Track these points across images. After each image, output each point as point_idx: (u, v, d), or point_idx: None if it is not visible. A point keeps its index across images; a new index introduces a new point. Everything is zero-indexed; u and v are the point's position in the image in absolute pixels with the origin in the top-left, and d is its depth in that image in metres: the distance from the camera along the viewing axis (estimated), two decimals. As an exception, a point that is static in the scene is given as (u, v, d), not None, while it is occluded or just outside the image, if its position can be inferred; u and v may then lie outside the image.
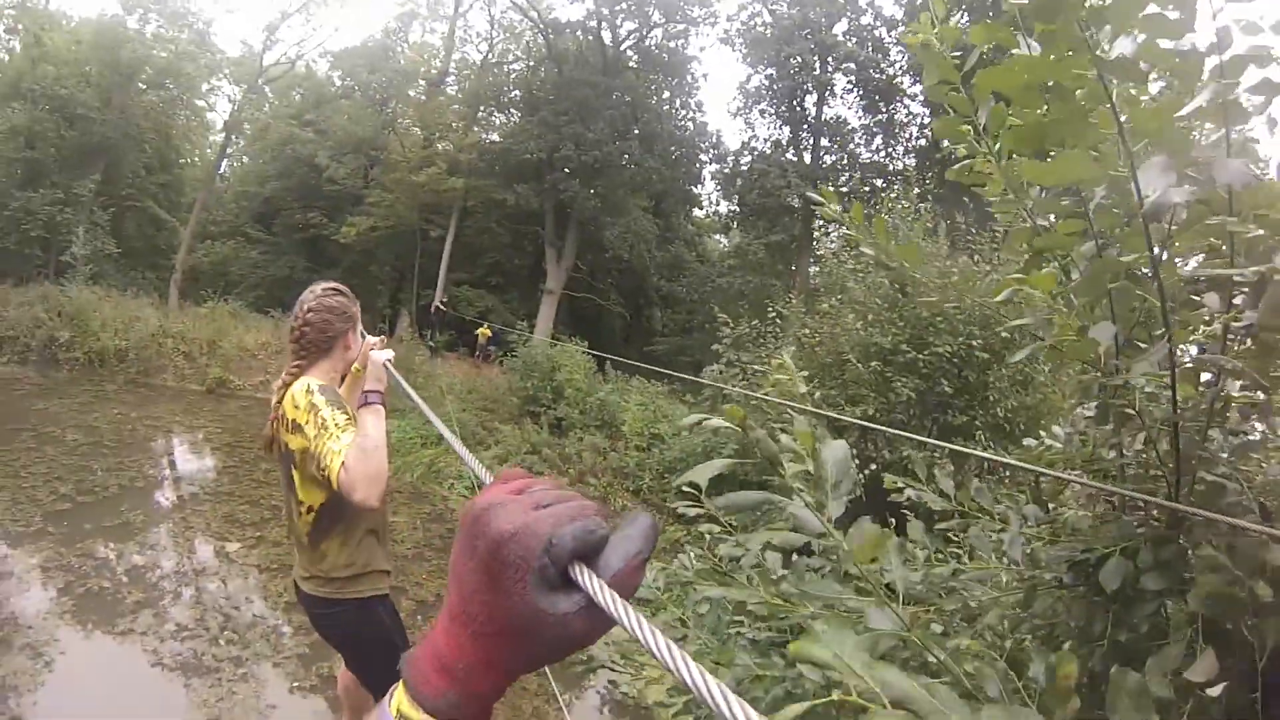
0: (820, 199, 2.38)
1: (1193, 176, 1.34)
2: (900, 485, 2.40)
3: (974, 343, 8.39)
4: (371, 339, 2.92)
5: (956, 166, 1.99)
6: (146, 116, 26.08)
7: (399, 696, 0.56)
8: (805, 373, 9.10)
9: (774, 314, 12.53)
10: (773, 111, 27.58)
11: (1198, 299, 1.58)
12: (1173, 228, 1.49)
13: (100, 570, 6.36)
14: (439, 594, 6.95)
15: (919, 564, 1.98)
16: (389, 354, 2.75)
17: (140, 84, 25.94)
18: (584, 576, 0.51)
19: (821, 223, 26.06)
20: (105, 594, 5.91)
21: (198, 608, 5.94)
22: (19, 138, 22.77)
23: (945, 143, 1.96)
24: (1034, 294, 1.88)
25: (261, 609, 6.09)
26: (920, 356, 8.56)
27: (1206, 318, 1.59)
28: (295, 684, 4.98)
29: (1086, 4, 1.36)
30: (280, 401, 2.64)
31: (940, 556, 2.07)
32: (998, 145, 1.76)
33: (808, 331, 10.59)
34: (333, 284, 2.92)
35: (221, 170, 31.38)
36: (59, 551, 6.56)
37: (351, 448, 2.29)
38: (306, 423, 2.45)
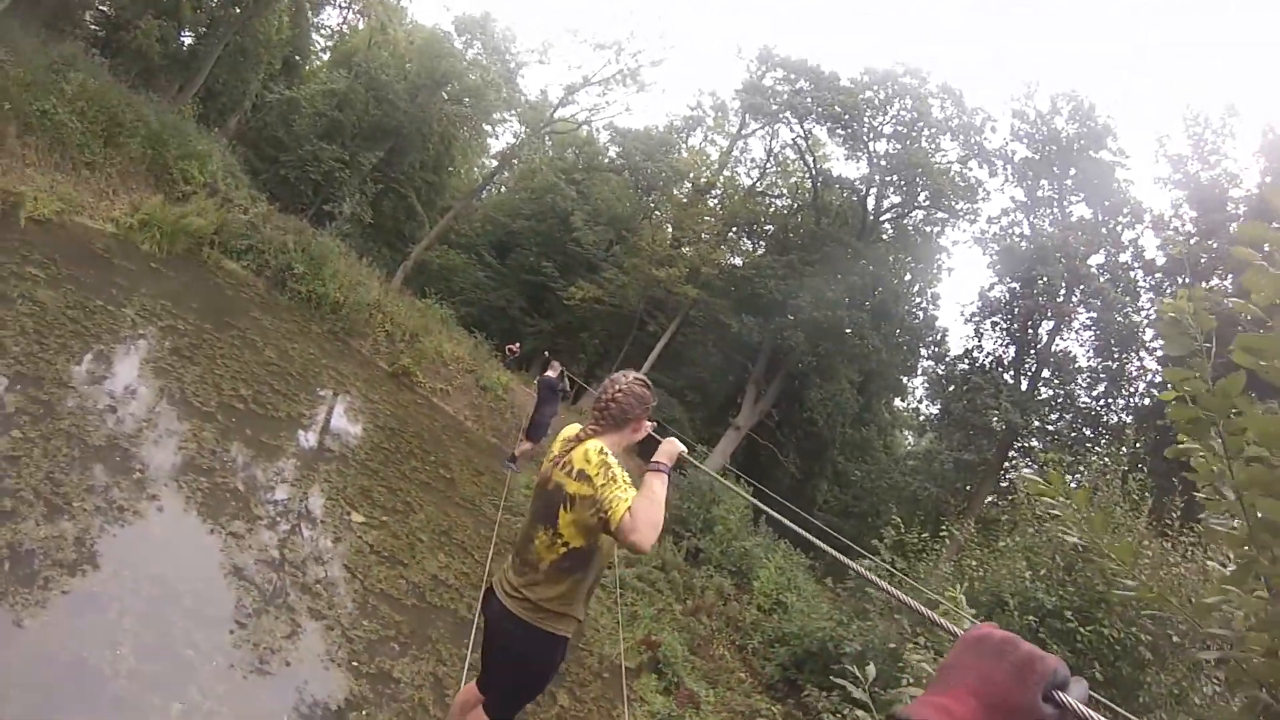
0: (1039, 480, 2.58)
1: None
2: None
3: (1143, 636, 7.32)
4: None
5: (1180, 448, 2.04)
6: (439, 122, 28.22)
7: None
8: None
9: (945, 533, 11.73)
10: (1004, 326, 26.00)
11: None
12: None
13: (236, 472, 6.46)
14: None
15: None
16: (683, 447, 3.09)
17: (444, 94, 28.24)
18: (1065, 698, 0.78)
19: (1015, 454, 24.44)
20: (227, 493, 5.94)
21: (301, 550, 5.89)
22: (334, 98, 25.55)
23: (1168, 411, 2.03)
24: (1235, 609, 2.04)
25: (358, 585, 5.86)
26: (1082, 630, 7.55)
27: None
28: (352, 662, 4.82)
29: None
30: (569, 451, 3.08)
31: None
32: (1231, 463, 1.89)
33: (974, 563, 9.83)
34: (642, 376, 3.30)
35: (482, 192, 33.29)
36: (214, 437, 6.74)
37: (639, 498, 2.69)
38: (595, 475, 2.84)
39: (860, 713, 7.03)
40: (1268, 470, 1.73)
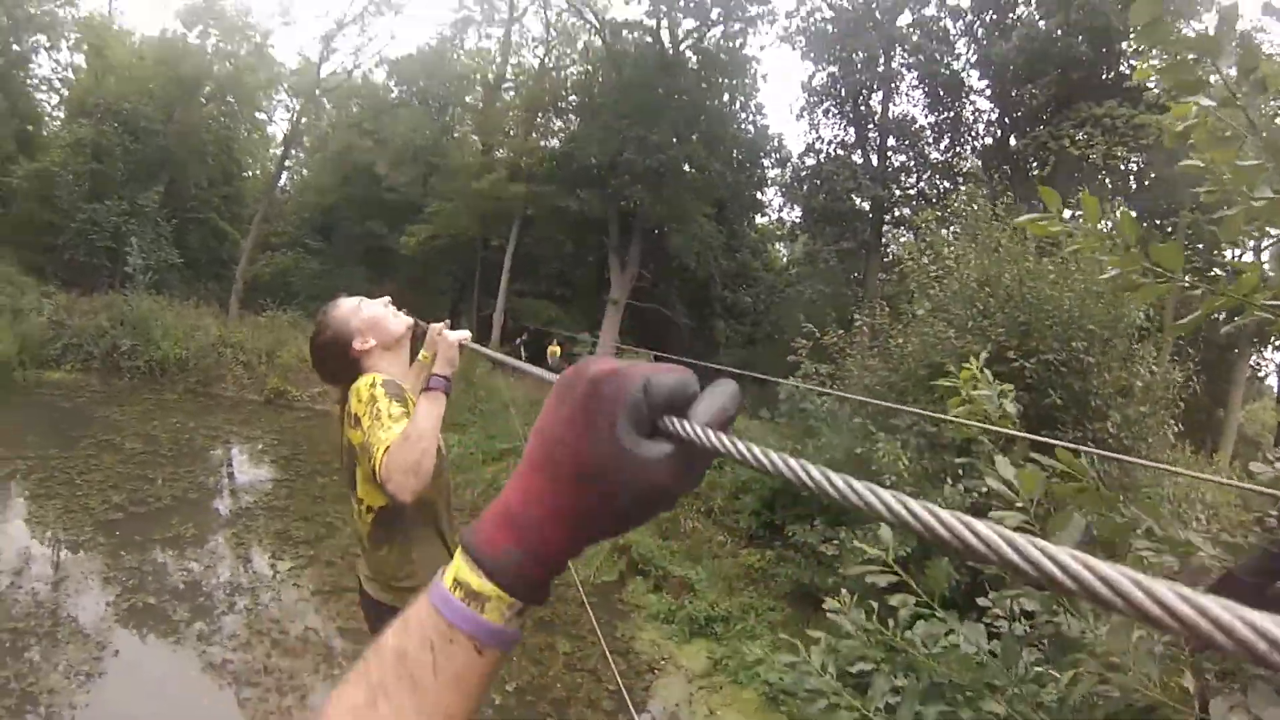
0: (1036, 218, 2.02)
1: None
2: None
3: (1079, 345, 7.51)
4: (436, 325, 2.63)
5: (1182, 127, 1.71)
6: (208, 130, 26.45)
7: (455, 564, 0.54)
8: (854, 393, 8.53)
9: (858, 323, 11.30)
10: (837, 111, 26.53)
11: None
12: None
13: (150, 582, 6.26)
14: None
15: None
16: (464, 334, 2.49)
17: (201, 98, 26.34)
18: (675, 424, 0.49)
19: (889, 226, 25.27)
20: (154, 607, 5.83)
21: (249, 626, 5.78)
22: (86, 151, 23.20)
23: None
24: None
25: (317, 636, 5.78)
26: (1028, 364, 7.51)
27: None
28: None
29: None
30: (347, 396, 2.44)
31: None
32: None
33: (900, 341, 9.39)
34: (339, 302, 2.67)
35: (281, 182, 31.55)
36: (106, 562, 6.50)
37: (399, 435, 2.10)
38: (364, 415, 2.27)
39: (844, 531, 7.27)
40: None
